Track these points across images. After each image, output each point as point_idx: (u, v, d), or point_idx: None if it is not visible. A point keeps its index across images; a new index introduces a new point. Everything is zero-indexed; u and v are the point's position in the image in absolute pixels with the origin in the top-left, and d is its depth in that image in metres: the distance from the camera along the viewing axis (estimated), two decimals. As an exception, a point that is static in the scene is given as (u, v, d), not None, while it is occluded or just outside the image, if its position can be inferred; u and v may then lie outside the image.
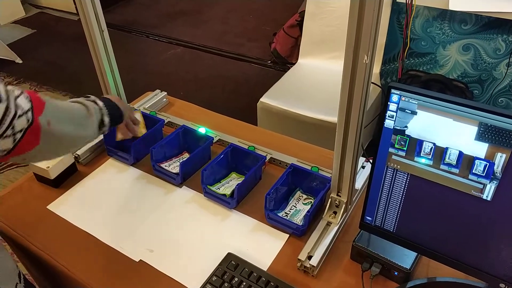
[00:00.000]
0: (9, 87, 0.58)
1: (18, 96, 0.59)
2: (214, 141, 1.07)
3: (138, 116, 1.08)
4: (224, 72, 2.92)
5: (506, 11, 1.46)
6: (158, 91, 1.33)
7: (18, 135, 0.58)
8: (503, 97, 1.83)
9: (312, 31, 2.10)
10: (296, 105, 1.76)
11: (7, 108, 0.56)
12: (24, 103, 0.59)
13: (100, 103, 0.82)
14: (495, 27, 1.69)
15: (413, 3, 1.60)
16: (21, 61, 3.09)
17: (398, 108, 0.67)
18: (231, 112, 1.31)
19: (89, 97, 0.83)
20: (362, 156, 0.99)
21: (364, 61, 0.72)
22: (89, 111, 0.78)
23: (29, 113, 0.59)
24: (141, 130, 1.06)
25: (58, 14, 3.82)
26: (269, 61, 2.95)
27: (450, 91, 1.81)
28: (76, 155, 1.06)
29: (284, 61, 2.86)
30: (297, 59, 2.20)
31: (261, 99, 1.82)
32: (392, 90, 0.68)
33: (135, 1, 3.98)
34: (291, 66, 2.19)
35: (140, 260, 0.84)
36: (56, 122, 0.65)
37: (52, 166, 0.97)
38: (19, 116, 0.57)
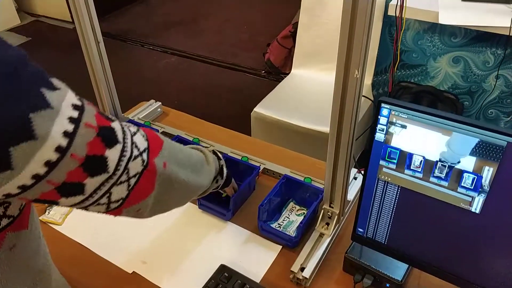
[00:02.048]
0: (125, 123, 0.51)
1: (134, 134, 0.50)
2: (208, 152, 1.08)
3: None
4: (218, 82, 2.94)
5: (494, 25, 1.49)
6: (152, 101, 1.34)
7: (133, 180, 0.49)
8: (492, 108, 1.86)
9: (305, 43, 2.13)
10: (289, 115, 1.77)
11: (123, 150, 0.47)
12: (140, 142, 0.51)
13: (218, 153, 0.79)
14: (484, 40, 1.73)
15: (403, 16, 1.63)
16: (14, 70, 3.08)
17: (388, 122, 0.69)
18: (225, 121, 1.33)
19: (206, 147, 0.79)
20: (354, 167, 1.00)
21: (355, 76, 0.73)
22: (207, 158, 0.72)
23: (144, 154, 0.51)
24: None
25: (54, 22, 3.83)
26: (263, 71, 2.97)
27: (441, 103, 1.83)
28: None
29: (277, 71, 2.88)
30: (290, 69, 2.23)
31: (255, 109, 1.83)
32: (382, 105, 0.70)
33: (131, 11, 4.00)
34: (285, 76, 2.22)
35: (133, 271, 0.84)
36: (173, 165, 0.57)
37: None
38: (135, 157, 0.49)
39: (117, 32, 3.56)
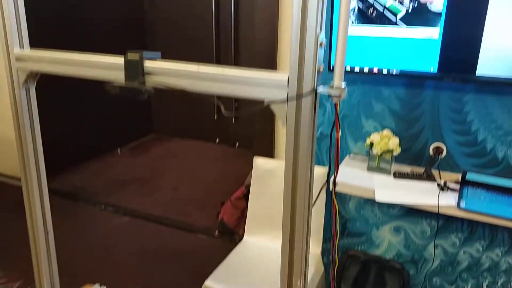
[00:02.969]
0: None
1: None
2: None
3: None
4: (170, 244, 2.88)
5: (423, 203, 1.66)
6: (97, 286, 1.28)
7: None
8: (436, 277, 1.93)
9: (256, 210, 2.22)
10: (241, 290, 1.73)
11: None
12: None
13: None
14: (418, 212, 1.89)
15: (335, 194, 1.79)
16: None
17: None
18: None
19: None
20: None
21: (298, 287, 0.76)
22: None
23: None
24: None
25: (3, 179, 3.78)
26: (216, 231, 2.98)
27: (388, 272, 1.89)
28: None
29: (231, 232, 2.90)
30: (243, 230, 2.26)
31: (206, 283, 1.78)
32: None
33: (85, 167, 4.07)
34: (238, 237, 2.23)
35: None
36: None
37: None
38: None
39: (69, 190, 3.54)
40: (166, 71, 0.80)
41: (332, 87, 0.69)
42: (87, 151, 4.17)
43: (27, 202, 1.06)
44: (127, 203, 3.36)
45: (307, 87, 0.70)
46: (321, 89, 0.71)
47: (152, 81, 0.81)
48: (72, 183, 3.70)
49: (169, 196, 3.54)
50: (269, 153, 2.64)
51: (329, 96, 0.70)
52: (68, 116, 3.87)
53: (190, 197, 3.52)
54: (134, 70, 0.79)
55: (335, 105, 0.73)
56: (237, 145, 4.47)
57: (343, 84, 0.69)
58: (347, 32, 0.66)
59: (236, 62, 4.15)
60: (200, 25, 4.23)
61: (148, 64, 0.82)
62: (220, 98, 0.80)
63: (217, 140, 4.58)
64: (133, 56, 0.78)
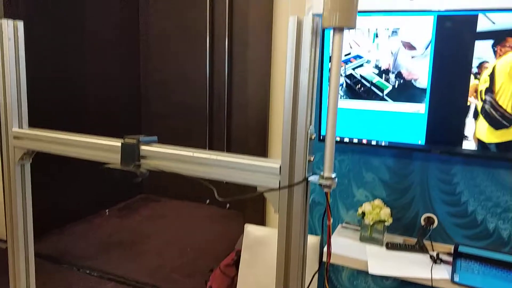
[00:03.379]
0: None
1: None
2: None
3: None
4: (156, 313, 2.75)
5: (417, 276, 1.63)
6: None
7: None
8: None
9: (247, 279, 2.16)
10: None
11: None
12: None
13: None
14: (413, 283, 1.85)
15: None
16: None
17: None
18: None
19: None
20: None
21: None
22: None
23: None
24: None
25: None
26: (205, 301, 2.86)
27: None
28: None
29: (220, 302, 2.79)
30: (233, 302, 2.18)
31: None
32: None
33: (71, 229, 3.96)
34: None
35: None
36: None
37: None
38: None
39: (54, 253, 3.42)
40: (162, 155, 0.82)
41: (322, 177, 0.72)
42: (74, 212, 4.09)
43: (12, 276, 1.03)
44: (113, 268, 3.24)
45: (298, 176, 0.72)
46: (312, 178, 0.73)
47: (147, 164, 0.83)
48: (57, 246, 3.58)
49: (156, 261, 3.43)
50: (261, 216, 2.62)
51: (320, 185, 0.73)
52: (55, 176, 3.83)
53: (177, 263, 3.41)
54: (130, 154, 0.81)
55: (326, 194, 0.75)
56: (227, 206, 4.43)
57: (333, 175, 0.71)
58: (335, 132, 0.69)
59: (228, 130, 4.24)
60: (194, 108, 4.36)
61: (144, 148, 0.84)
62: (212, 181, 0.81)
63: (208, 201, 4.54)
64: (130, 140, 0.81)
